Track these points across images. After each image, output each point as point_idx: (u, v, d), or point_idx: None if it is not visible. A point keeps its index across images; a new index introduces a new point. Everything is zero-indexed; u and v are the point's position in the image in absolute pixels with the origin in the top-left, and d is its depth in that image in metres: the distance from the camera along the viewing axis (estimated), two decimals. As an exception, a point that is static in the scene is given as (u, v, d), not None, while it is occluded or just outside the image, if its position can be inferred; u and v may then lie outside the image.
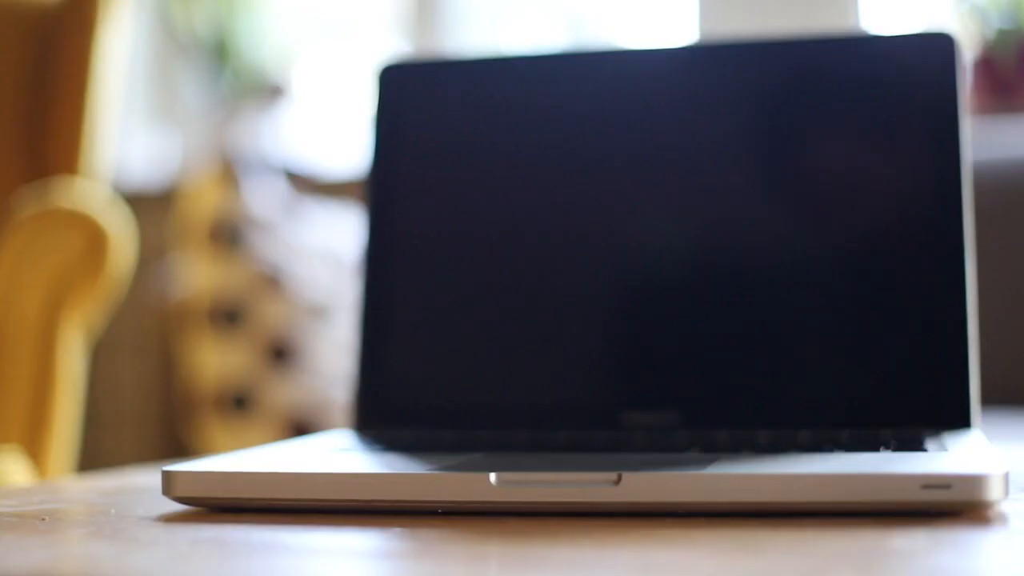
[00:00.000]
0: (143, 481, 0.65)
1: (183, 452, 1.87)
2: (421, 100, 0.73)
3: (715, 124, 0.69)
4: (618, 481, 0.48)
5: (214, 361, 1.77)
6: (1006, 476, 0.47)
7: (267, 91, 2.51)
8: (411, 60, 0.74)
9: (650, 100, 0.70)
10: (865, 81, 0.68)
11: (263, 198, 1.84)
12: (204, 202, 1.81)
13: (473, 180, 0.71)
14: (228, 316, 1.77)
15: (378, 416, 0.70)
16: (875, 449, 0.55)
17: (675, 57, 0.71)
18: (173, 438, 1.92)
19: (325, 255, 1.85)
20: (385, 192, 0.73)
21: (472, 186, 0.71)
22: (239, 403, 1.76)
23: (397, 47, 2.53)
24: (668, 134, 0.69)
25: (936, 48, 0.67)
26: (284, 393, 1.75)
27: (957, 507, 0.46)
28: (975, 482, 0.46)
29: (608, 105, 0.70)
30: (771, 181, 0.67)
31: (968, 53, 2.05)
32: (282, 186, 1.95)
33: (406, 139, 0.73)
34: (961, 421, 0.63)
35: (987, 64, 2.05)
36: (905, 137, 0.67)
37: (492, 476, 0.49)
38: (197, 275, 1.79)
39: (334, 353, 1.78)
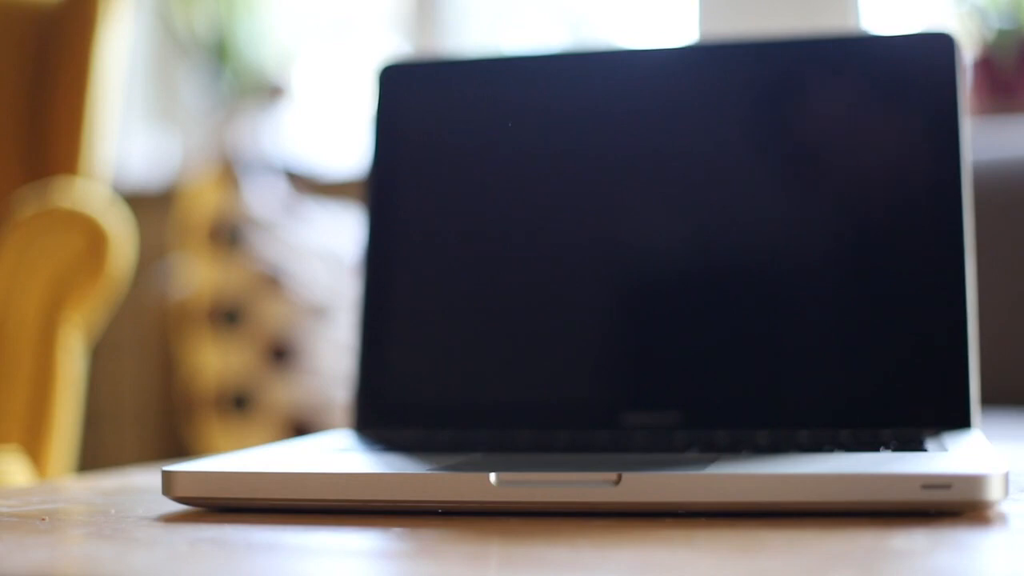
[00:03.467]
0: (143, 481, 0.65)
1: (183, 452, 1.87)
2: (421, 100, 0.73)
3: (715, 124, 0.69)
4: (618, 481, 0.48)
5: (214, 361, 1.77)
6: (1006, 476, 0.47)
7: (267, 91, 2.51)
8: (411, 60, 0.74)
9: (650, 100, 0.70)
10: (865, 81, 0.68)
11: (263, 198, 1.84)
12: (204, 202, 1.81)
13: (473, 180, 0.71)
14: (228, 316, 1.77)
15: (378, 416, 0.70)
16: (875, 449, 0.55)
17: (675, 57, 0.71)
18: (173, 438, 1.92)
19: (325, 255, 1.85)
20: (385, 192, 0.73)
21: (472, 186, 0.71)
22: (239, 403, 1.76)
23: (397, 47, 2.53)
24: (668, 134, 0.69)
25: (936, 48, 0.67)
26: (284, 393, 1.75)
27: (957, 507, 0.46)
28: (975, 482, 0.46)
29: (609, 105, 0.70)
30: (771, 182, 0.67)
31: (968, 53, 2.05)
32: (282, 186, 1.95)
33: (406, 139, 0.73)
34: (961, 421, 0.63)
35: (987, 64, 2.05)
36: (905, 137, 0.67)
37: (492, 476, 0.49)
38: (197, 275, 1.79)
39: (334, 353, 1.78)
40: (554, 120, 0.71)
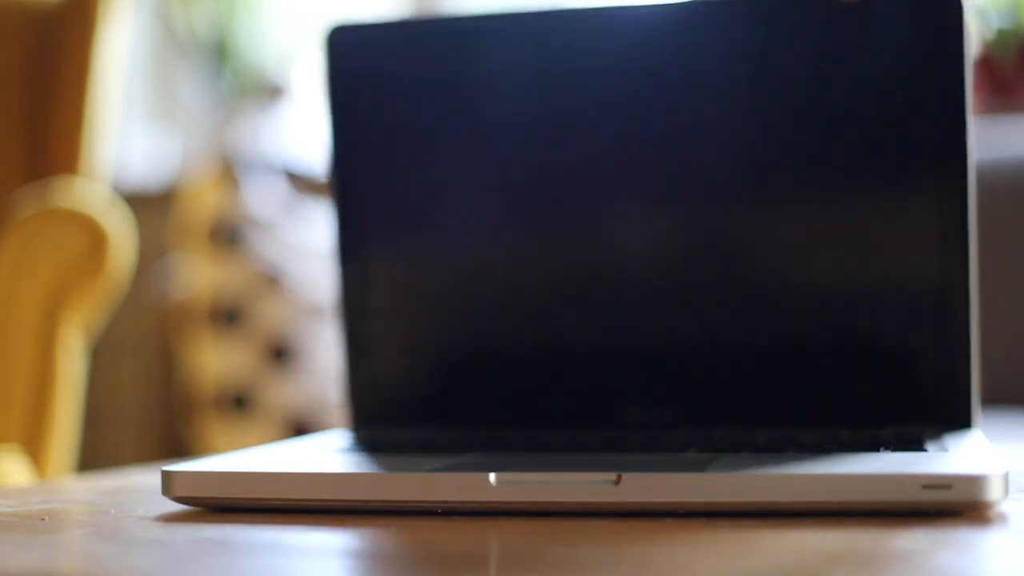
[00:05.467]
0: (143, 481, 0.65)
1: (183, 452, 1.87)
2: (376, 64, 0.67)
3: (706, 91, 0.65)
4: (618, 481, 0.48)
5: (214, 361, 1.77)
6: (1006, 476, 0.47)
7: (267, 91, 2.51)
8: (362, 22, 0.68)
9: (630, 62, 0.66)
10: (867, 43, 0.65)
11: (263, 198, 1.84)
12: (204, 202, 1.81)
13: (448, 160, 0.68)
14: (228, 316, 1.77)
15: (376, 416, 0.70)
16: (875, 449, 0.55)
17: (658, 16, 0.66)
18: (173, 438, 1.92)
19: (325, 255, 1.85)
20: (356, 179, 0.69)
21: (449, 168, 0.68)
22: (239, 403, 1.76)
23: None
24: (651, 101, 0.66)
25: (943, 9, 0.63)
26: (284, 393, 1.75)
27: (957, 507, 0.46)
28: (975, 482, 0.46)
29: (591, 67, 0.66)
30: (770, 167, 0.67)
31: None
32: (282, 186, 1.94)
33: (366, 109, 0.67)
34: (961, 421, 0.63)
35: (987, 64, 2.05)
36: (910, 122, 0.65)
37: (492, 476, 0.49)
38: (197, 275, 1.79)
39: (334, 353, 1.78)
40: (520, 84, 0.66)
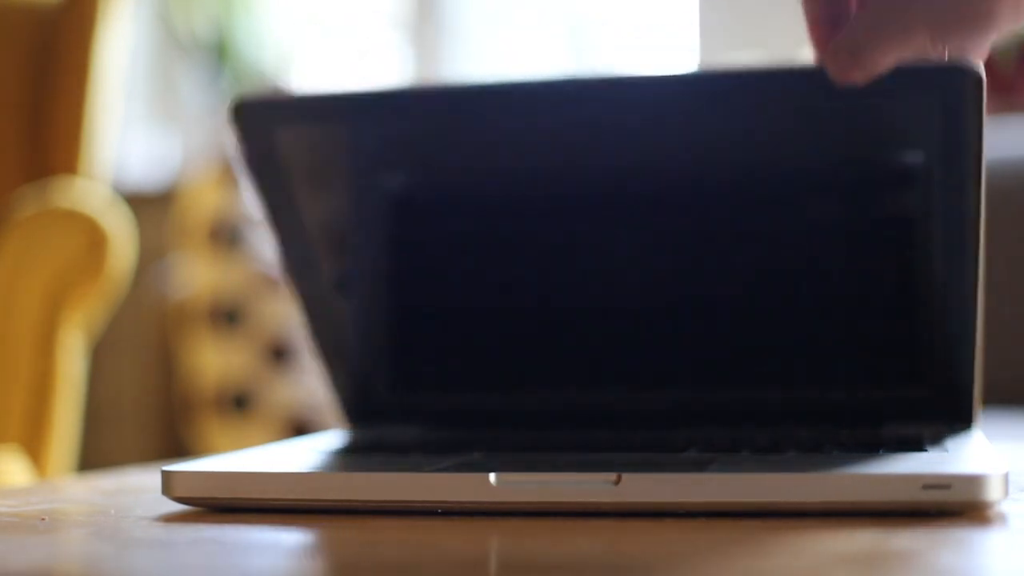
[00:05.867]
0: (143, 481, 0.65)
1: (183, 452, 1.87)
2: (283, 136, 0.65)
3: (696, 161, 0.64)
4: (618, 481, 0.48)
5: (214, 361, 1.77)
6: (1006, 476, 0.47)
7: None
8: (266, 96, 0.65)
9: (626, 130, 0.63)
10: (873, 111, 0.63)
11: (263, 198, 1.84)
12: (204, 202, 1.81)
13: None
14: (228, 316, 1.77)
15: (373, 416, 0.70)
16: (875, 449, 0.55)
17: (636, 87, 0.62)
18: (173, 438, 1.92)
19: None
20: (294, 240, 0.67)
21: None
22: (239, 403, 1.76)
23: (397, 46, 2.53)
24: (635, 161, 0.64)
25: (954, 83, 0.59)
26: (284, 393, 1.75)
27: (957, 507, 0.46)
28: (975, 482, 0.46)
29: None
30: (769, 181, 0.67)
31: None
32: (282, 186, 1.94)
33: (284, 176, 0.66)
34: (961, 421, 0.63)
35: (987, 64, 2.05)
36: (912, 139, 0.65)
37: (492, 476, 0.49)
38: (197, 275, 1.79)
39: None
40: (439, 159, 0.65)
